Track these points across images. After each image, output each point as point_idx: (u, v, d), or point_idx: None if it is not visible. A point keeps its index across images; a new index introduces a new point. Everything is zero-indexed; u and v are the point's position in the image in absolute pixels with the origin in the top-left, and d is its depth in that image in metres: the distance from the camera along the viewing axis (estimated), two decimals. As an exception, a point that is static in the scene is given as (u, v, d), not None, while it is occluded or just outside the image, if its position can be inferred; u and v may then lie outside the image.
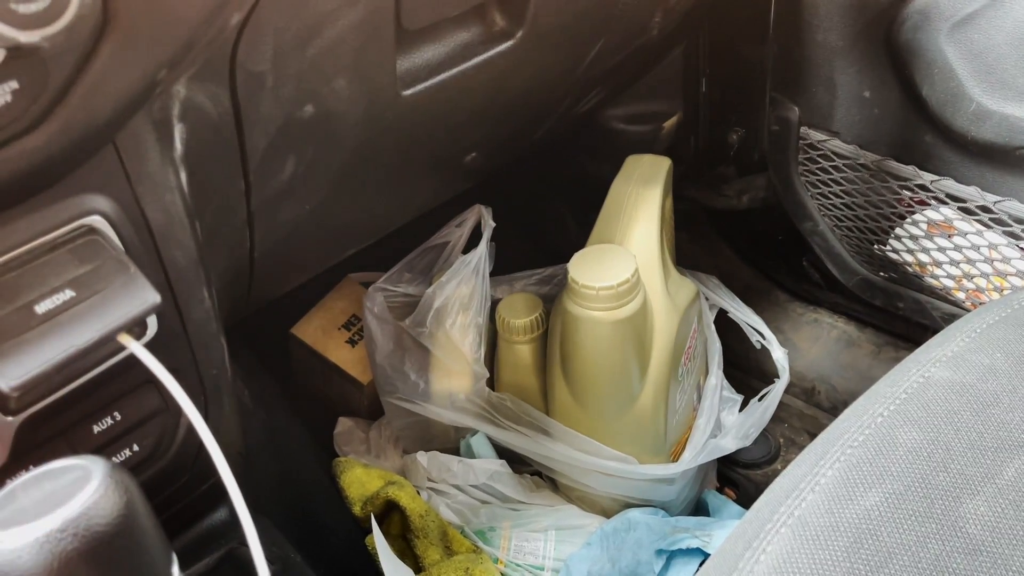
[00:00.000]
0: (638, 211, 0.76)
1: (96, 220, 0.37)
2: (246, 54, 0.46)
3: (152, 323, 0.40)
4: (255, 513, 0.62)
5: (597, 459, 0.75)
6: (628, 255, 0.70)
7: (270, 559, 0.55)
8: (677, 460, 0.79)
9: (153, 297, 0.35)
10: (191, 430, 0.47)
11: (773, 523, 0.45)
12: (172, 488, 0.48)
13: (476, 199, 0.88)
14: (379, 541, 0.66)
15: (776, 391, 0.85)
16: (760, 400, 0.84)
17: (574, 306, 0.70)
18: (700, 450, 0.77)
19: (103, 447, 0.42)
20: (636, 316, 0.70)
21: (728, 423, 0.83)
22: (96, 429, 0.41)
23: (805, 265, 1.00)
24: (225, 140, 0.50)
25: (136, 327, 0.38)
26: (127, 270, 0.36)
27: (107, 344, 0.35)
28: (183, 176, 0.43)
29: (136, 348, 0.35)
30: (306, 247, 0.67)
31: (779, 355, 0.88)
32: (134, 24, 0.34)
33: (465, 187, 0.83)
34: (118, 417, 0.42)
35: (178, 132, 0.44)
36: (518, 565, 0.76)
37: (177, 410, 0.44)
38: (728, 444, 0.79)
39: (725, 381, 0.86)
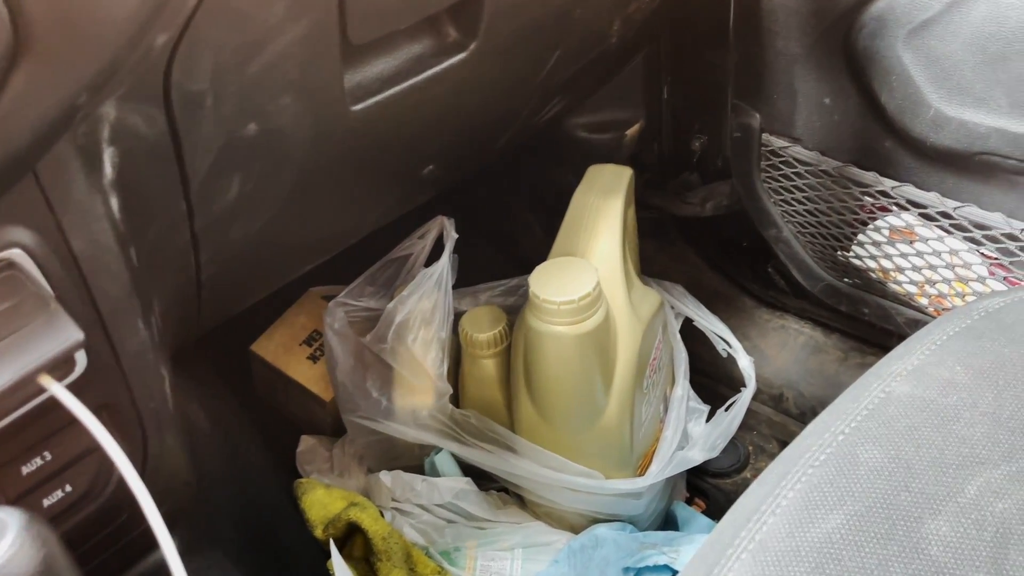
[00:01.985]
0: (599, 223, 0.75)
1: (15, 254, 0.35)
2: (182, 73, 0.44)
3: (80, 359, 0.38)
4: (209, 545, 0.60)
5: (563, 475, 0.74)
6: (589, 268, 0.69)
7: (217, 595, 0.54)
8: (644, 473, 0.78)
9: (75, 335, 0.33)
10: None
11: (734, 548, 0.44)
12: (113, 526, 0.46)
13: (439, 210, 0.87)
14: (337, 565, 0.65)
15: (743, 400, 0.84)
16: (727, 410, 0.83)
17: (536, 321, 0.69)
18: (667, 463, 0.76)
19: (33, 489, 0.40)
20: (599, 330, 0.69)
21: (695, 434, 0.82)
22: (25, 471, 0.39)
23: (770, 271, 0.99)
24: (163, 162, 0.48)
25: (61, 365, 0.36)
26: (47, 307, 0.34)
27: (28, 386, 0.33)
28: (114, 202, 0.42)
29: (57, 389, 0.33)
30: (258, 266, 0.65)
31: (745, 363, 0.87)
32: (49, 48, 0.32)
33: (425, 199, 0.82)
34: (48, 457, 0.40)
35: (108, 156, 0.42)
36: (484, 586, 0.74)
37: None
38: (695, 456, 0.78)
39: (692, 391, 0.85)
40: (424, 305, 0.81)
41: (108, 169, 0.42)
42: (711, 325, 0.89)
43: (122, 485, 0.46)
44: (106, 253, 0.40)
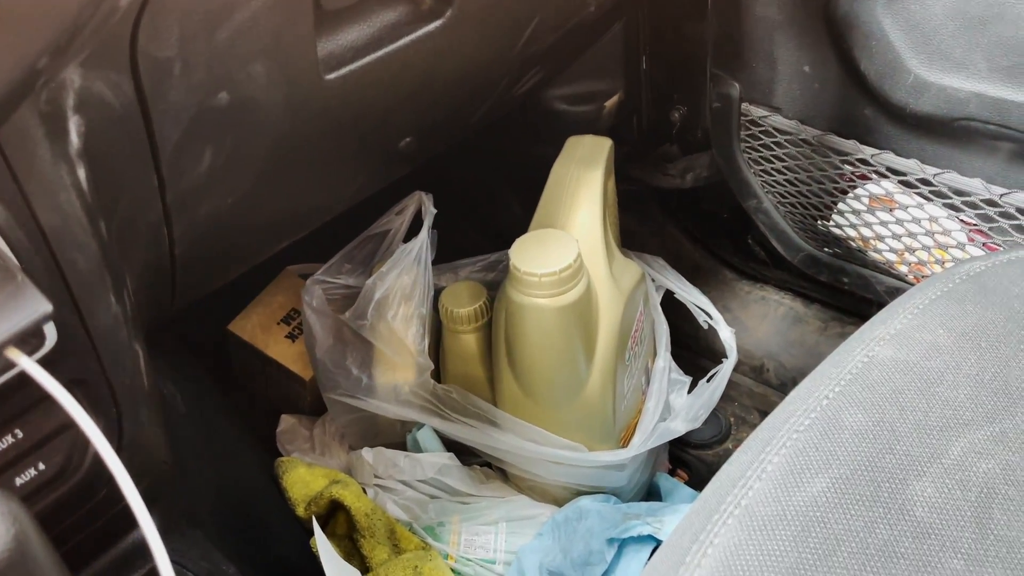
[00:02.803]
0: (579, 194, 0.74)
1: (-22, 225, 0.34)
2: (148, 39, 0.43)
3: (50, 333, 0.37)
4: (189, 525, 0.59)
5: (546, 448, 0.74)
6: (570, 240, 0.69)
7: (198, 573, 0.53)
8: (627, 445, 0.78)
9: (43, 307, 0.32)
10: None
11: (720, 513, 0.44)
12: (89, 505, 0.45)
13: (417, 185, 0.86)
14: (320, 543, 0.64)
15: (724, 371, 0.84)
16: (708, 381, 0.83)
17: (517, 294, 0.68)
18: (649, 434, 0.76)
19: (5, 468, 0.39)
20: (580, 302, 0.68)
21: (677, 406, 0.82)
22: (-5, 449, 0.38)
23: (751, 243, 0.99)
24: (131, 132, 0.46)
25: (30, 339, 0.35)
26: (14, 279, 0.32)
27: (-6, 360, 0.32)
28: (82, 173, 0.40)
29: (26, 363, 0.32)
30: (233, 242, 0.63)
31: (726, 335, 0.87)
32: (6, 8, 0.31)
33: (402, 173, 0.80)
34: (20, 435, 0.39)
35: (74, 125, 0.41)
36: (468, 560, 0.74)
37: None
38: (678, 427, 0.78)
39: (673, 363, 0.85)
40: (404, 281, 0.80)
41: (74, 138, 0.40)
42: (692, 297, 0.88)
43: (98, 463, 0.45)
44: (75, 225, 0.39)
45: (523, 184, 1.02)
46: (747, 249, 1.00)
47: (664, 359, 0.83)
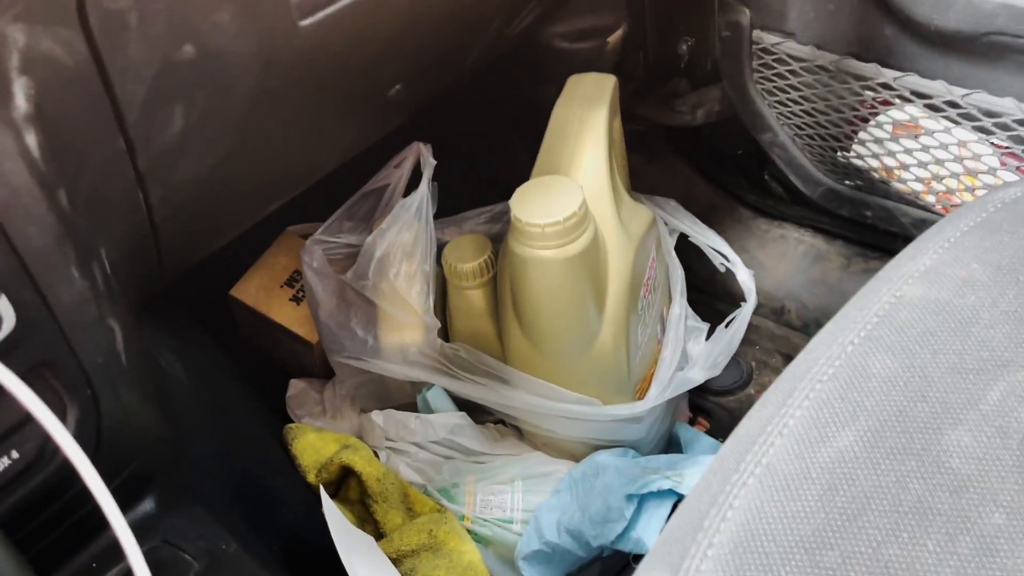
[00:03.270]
0: (583, 136, 0.70)
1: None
2: (96, -11, 0.39)
3: (7, 314, 0.35)
4: (192, 500, 0.57)
5: (560, 404, 0.71)
6: (574, 186, 0.65)
7: (195, 555, 0.51)
8: (644, 396, 0.75)
9: None
10: (81, 428, 0.42)
11: (739, 473, 0.41)
12: (71, 492, 0.43)
13: (415, 135, 0.82)
14: (329, 512, 0.62)
15: (743, 315, 0.80)
16: (727, 327, 0.80)
17: (520, 247, 0.65)
18: (667, 385, 0.73)
19: (-27, 459, 0.36)
20: (587, 251, 0.65)
21: (695, 353, 0.79)
22: (-40, 440, 0.36)
23: (767, 179, 0.95)
24: (89, 93, 0.43)
25: (-18, 323, 0.33)
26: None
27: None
28: (31, 139, 0.37)
29: (-29, 352, 0.30)
30: (218, 206, 0.60)
31: (744, 277, 0.83)
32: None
33: (397, 123, 0.77)
34: (-15, 424, 0.36)
35: (20, 88, 0.37)
36: (485, 520, 0.72)
37: (60, 408, 0.39)
38: (696, 376, 0.75)
39: (689, 309, 0.82)
40: (405, 237, 0.77)
41: (21, 102, 0.37)
42: (707, 239, 0.84)
43: (79, 444, 0.42)
44: (25, 196, 0.36)
45: (527, 128, 0.97)
46: (763, 186, 0.95)
47: (680, 306, 0.80)
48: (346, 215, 0.83)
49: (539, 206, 0.64)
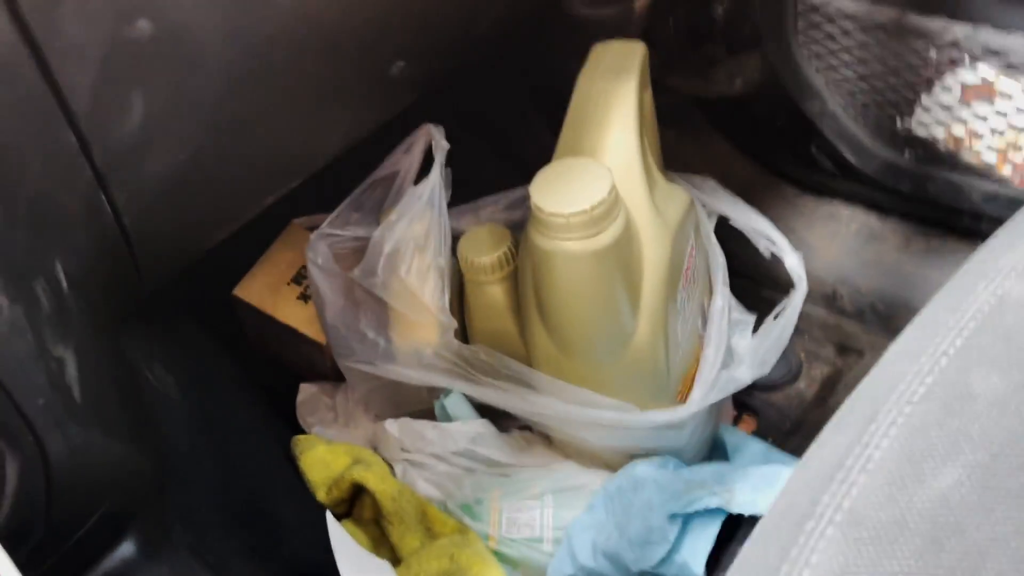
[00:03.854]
0: (610, 112, 0.62)
1: None
2: (15, -47, 0.32)
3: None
4: (179, 543, 0.51)
5: (591, 411, 0.64)
6: (601, 169, 0.57)
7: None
8: (685, 399, 0.67)
9: None
10: (25, 481, 0.35)
11: (815, 520, 0.33)
12: (27, 546, 0.37)
13: (427, 115, 0.75)
14: (335, 537, 0.56)
15: (794, 305, 0.73)
16: (776, 318, 0.72)
17: (543, 238, 0.58)
18: (711, 386, 0.66)
19: None
20: (619, 242, 0.57)
21: (741, 349, 0.71)
22: None
23: (815, 152, 0.86)
24: (25, 82, 0.36)
25: None
26: None
27: None
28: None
29: None
30: (201, 204, 0.54)
31: (793, 261, 0.75)
32: None
33: (404, 104, 0.69)
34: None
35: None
36: (512, 540, 0.66)
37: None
38: (743, 375, 0.67)
39: (734, 300, 0.74)
40: (416, 229, 0.70)
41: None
42: (750, 221, 0.76)
43: (24, 497, 0.36)
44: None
45: (548, 103, 0.90)
46: (810, 160, 0.87)
47: (723, 297, 0.72)
48: (353, 206, 0.76)
49: (563, 193, 0.56)
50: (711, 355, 0.68)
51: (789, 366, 0.84)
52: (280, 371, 0.87)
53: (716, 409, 0.73)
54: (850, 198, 0.87)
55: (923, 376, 0.36)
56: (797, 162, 0.89)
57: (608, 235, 0.56)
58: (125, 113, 0.42)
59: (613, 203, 0.56)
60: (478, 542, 0.64)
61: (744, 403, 0.83)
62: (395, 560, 0.64)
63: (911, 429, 0.34)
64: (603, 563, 0.61)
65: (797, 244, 0.85)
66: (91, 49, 0.38)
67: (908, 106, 0.71)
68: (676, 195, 0.68)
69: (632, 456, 0.68)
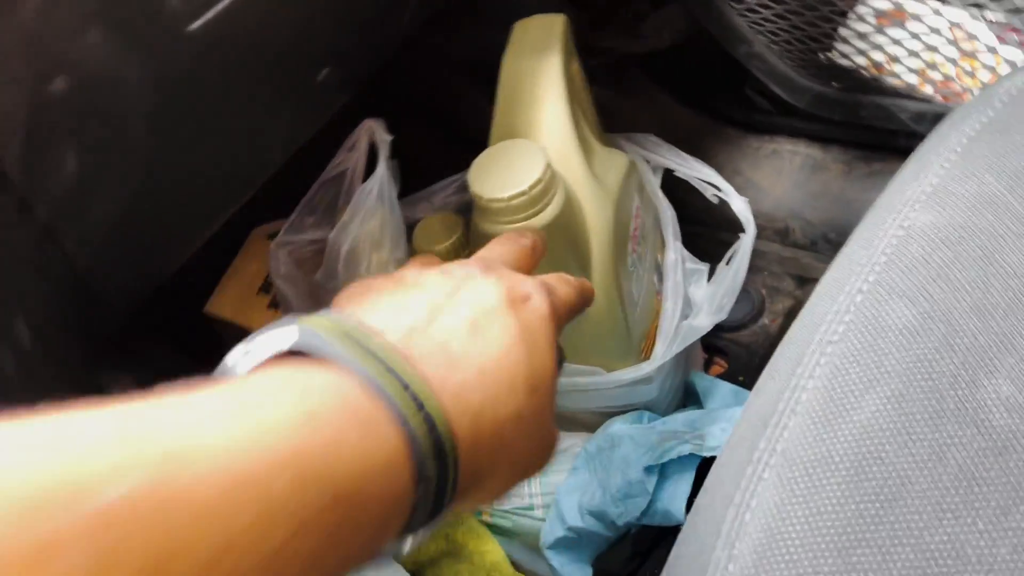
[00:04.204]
0: (538, 90, 0.64)
1: None
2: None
3: None
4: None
5: (561, 378, 0.66)
6: (535, 149, 0.59)
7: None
8: (650, 354, 0.70)
9: None
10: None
11: (753, 465, 0.36)
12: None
13: (367, 107, 0.76)
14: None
15: (744, 248, 0.75)
16: (728, 263, 0.74)
17: (487, 224, 0.59)
18: (672, 338, 0.68)
19: None
20: (560, 217, 0.59)
21: (698, 298, 0.73)
22: None
23: (750, 93, 0.88)
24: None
25: None
26: None
27: None
28: None
29: None
30: (153, 234, 0.55)
31: (739, 205, 0.77)
32: None
33: (338, 105, 0.70)
34: None
35: None
36: (505, 512, 0.68)
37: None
38: (702, 323, 0.69)
39: (686, 252, 0.76)
40: (370, 226, 0.72)
41: None
42: (694, 170, 0.78)
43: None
44: None
45: (486, 77, 0.91)
46: (747, 101, 0.88)
47: (675, 250, 0.74)
48: (307, 210, 0.77)
49: (500, 177, 0.58)
50: (670, 308, 0.71)
51: (752, 304, 0.87)
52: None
53: (684, 358, 0.75)
54: (791, 133, 0.89)
55: (842, 315, 0.39)
56: (736, 105, 0.90)
57: (549, 212, 0.58)
58: (60, 168, 0.43)
59: (550, 181, 0.58)
60: (471, 520, 0.67)
61: (713, 346, 0.86)
62: (394, 546, 0.67)
63: (833, 368, 0.37)
64: (591, 521, 0.64)
65: (744, 185, 0.88)
66: (15, 112, 0.39)
67: (827, 38, 0.73)
68: (616, 160, 0.69)
69: (609, 415, 0.71)
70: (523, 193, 0.56)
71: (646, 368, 0.66)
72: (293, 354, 0.26)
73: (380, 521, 0.25)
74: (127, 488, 0.19)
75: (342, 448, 0.24)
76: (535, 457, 0.34)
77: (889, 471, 0.33)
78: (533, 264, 0.43)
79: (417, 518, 0.27)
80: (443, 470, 0.27)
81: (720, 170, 0.80)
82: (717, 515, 0.35)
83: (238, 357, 0.27)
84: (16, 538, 0.17)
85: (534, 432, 0.32)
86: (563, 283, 0.39)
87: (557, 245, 0.60)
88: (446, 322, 0.31)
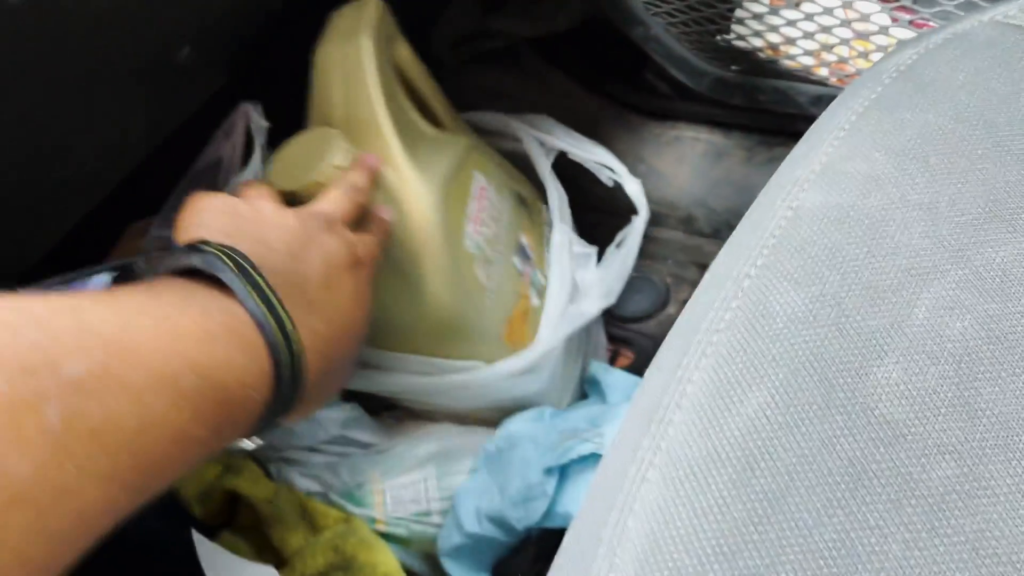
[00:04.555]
0: (350, 77, 0.59)
1: None
2: None
3: None
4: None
5: (435, 379, 0.63)
6: (333, 136, 0.55)
7: None
8: (517, 340, 0.66)
9: None
10: None
11: (637, 464, 0.33)
12: None
13: (249, 94, 0.71)
14: (203, 555, 0.53)
15: (635, 231, 0.72)
16: (618, 247, 0.71)
17: None
18: (556, 324, 0.64)
19: None
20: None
21: (586, 282, 0.70)
22: None
23: (650, 78, 0.86)
24: None
25: None
26: None
27: None
28: None
29: None
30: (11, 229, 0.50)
31: (633, 188, 0.74)
32: None
33: (211, 88, 0.65)
34: None
35: None
36: (400, 519, 0.65)
37: None
38: (589, 308, 0.66)
39: (574, 235, 0.72)
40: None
41: None
42: (587, 153, 0.75)
43: None
44: None
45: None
46: (647, 86, 0.87)
47: (561, 232, 0.70)
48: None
49: (298, 168, 0.55)
50: (555, 292, 0.67)
51: (657, 293, 0.85)
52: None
53: (580, 346, 0.73)
54: (692, 119, 0.87)
55: (728, 301, 0.36)
56: (636, 90, 0.88)
57: None
58: None
59: (348, 167, 0.55)
60: (363, 528, 0.63)
61: (618, 337, 0.84)
62: (280, 562, 0.62)
63: (719, 358, 0.34)
64: (488, 527, 0.61)
65: (648, 172, 0.86)
66: None
67: (724, 20, 0.71)
68: (449, 143, 0.65)
69: (502, 410, 0.68)
70: (317, 184, 0.53)
71: (530, 356, 0.63)
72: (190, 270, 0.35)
73: (245, 418, 0.33)
74: (85, 366, 0.25)
75: (231, 365, 0.32)
76: (345, 381, 0.46)
77: (777, 467, 0.31)
78: (359, 218, 0.50)
79: (266, 419, 0.36)
80: (293, 391, 0.36)
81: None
82: (599, 520, 0.32)
83: (143, 265, 0.35)
84: (11, 391, 0.23)
85: (351, 364, 0.44)
86: (376, 243, 0.50)
87: None
88: (304, 270, 0.40)
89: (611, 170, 0.74)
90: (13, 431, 0.23)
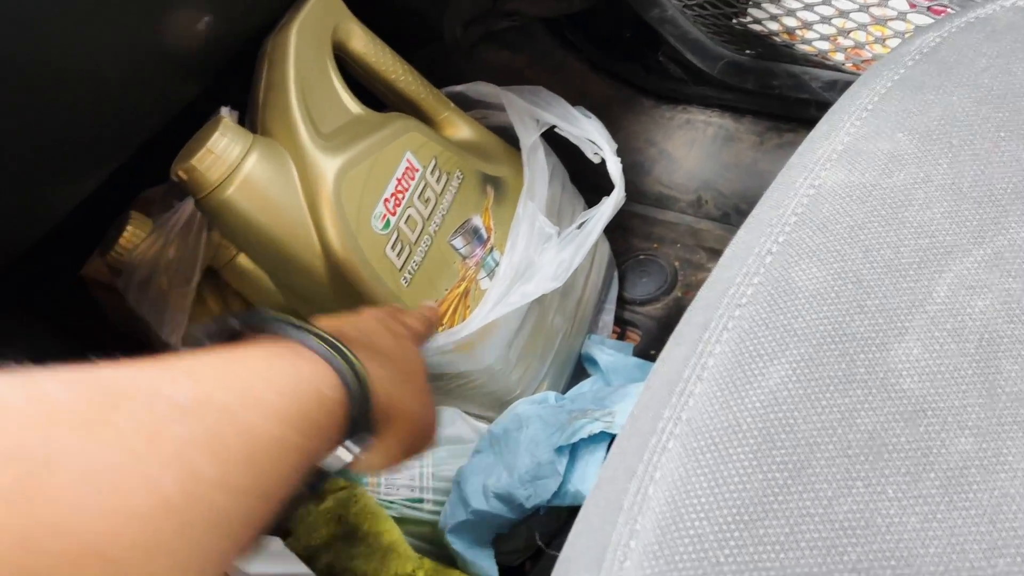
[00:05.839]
0: (273, 65, 0.61)
1: None
2: None
3: None
4: None
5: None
6: (216, 120, 0.57)
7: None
8: (452, 319, 0.66)
9: None
10: None
11: (657, 435, 0.33)
12: None
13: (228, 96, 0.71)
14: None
15: (602, 212, 0.69)
16: (580, 227, 0.68)
17: (198, 201, 0.58)
18: (497, 301, 0.63)
19: None
20: (257, 182, 0.57)
21: (542, 262, 0.67)
22: None
23: (663, 60, 0.86)
24: None
25: None
26: None
27: None
28: None
29: None
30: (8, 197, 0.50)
31: (613, 167, 0.70)
32: None
33: (218, 66, 0.65)
34: None
35: None
36: (392, 503, 0.65)
37: None
38: (532, 289, 0.64)
39: (540, 215, 0.69)
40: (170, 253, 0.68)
41: None
42: (576, 127, 0.73)
43: None
44: None
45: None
46: (660, 69, 0.86)
47: (525, 209, 0.68)
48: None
49: (188, 153, 0.57)
50: (502, 272, 0.66)
51: (665, 276, 0.86)
52: (153, 347, 0.83)
53: (559, 327, 0.72)
54: (704, 103, 0.87)
55: (750, 277, 0.36)
56: (649, 73, 0.88)
57: (240, 176, 0.56)
58: None
59: (226, 148, 0.56)
60: (366, 497, 0.63)
61: (626, 320, 0.84)
62: (284, 533, 0.63)
63: (741, 332, 0.35)
64: (496, 504, 0.61)
65: (659, 155, 0.86)
66: None
67: (741, 3, 0.71)
68: (379, 123, 0.65)
69: (497, 401, 0.68)
70: (193, 168, 0.55)
71: (457, 335, 0.62)
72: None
73: (327, 445, 0.37)
74: (213, 418, 0.29)
75: (320, 414, 0.35)
76: (422, 424, 0.44)
77: (797, 439, 0.31)
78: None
79: (352, 425, 0.38)
80: (365, 399, 0.38)
81: (633, 139, 0.78)
82: (619, 488, 0.33)
83: (236, 325, 0.37)
84: (166, 431, 0.27)
85: (418, 407, 0.44)
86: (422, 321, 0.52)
87: (259, 216, 0.58)
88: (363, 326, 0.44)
89: (596, 146, 0.72)
90: (155, 447, 0.26)
